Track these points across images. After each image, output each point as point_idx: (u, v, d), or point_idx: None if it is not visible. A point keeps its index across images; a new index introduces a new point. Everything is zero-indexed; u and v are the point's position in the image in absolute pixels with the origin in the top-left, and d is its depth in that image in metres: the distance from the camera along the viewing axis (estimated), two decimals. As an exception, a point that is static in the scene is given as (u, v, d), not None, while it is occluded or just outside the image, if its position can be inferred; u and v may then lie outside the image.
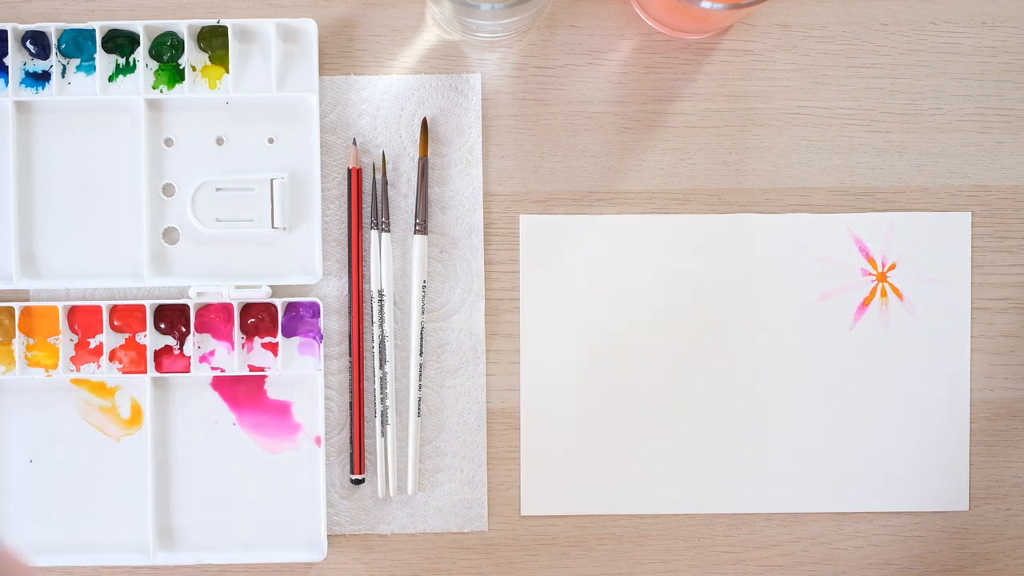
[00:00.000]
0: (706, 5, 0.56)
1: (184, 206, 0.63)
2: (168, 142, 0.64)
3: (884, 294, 0.65)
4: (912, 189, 0.65)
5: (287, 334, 0.64)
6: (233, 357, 0.63)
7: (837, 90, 0.65)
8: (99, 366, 0.63)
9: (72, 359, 0.63)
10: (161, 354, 0.64)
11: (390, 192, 0.64)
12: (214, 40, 0.63)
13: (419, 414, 0.64)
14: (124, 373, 0.63)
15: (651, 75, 0.65)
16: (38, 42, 0.63)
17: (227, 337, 0.64)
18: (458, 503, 0.65)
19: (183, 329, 0.64)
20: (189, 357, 0.63)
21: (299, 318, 0.64)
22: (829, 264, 0.65)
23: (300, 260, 0.64)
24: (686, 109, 0.65)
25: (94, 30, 0.62)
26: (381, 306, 0.64)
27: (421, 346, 0.64)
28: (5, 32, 0.62)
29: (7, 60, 0.63)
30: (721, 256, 0.65)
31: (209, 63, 0.63)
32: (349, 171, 0.64)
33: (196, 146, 0.64)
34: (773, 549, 0.65)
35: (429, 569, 0.65)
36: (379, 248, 0.64)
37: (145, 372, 0.63)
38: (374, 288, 0.64)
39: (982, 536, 0.66)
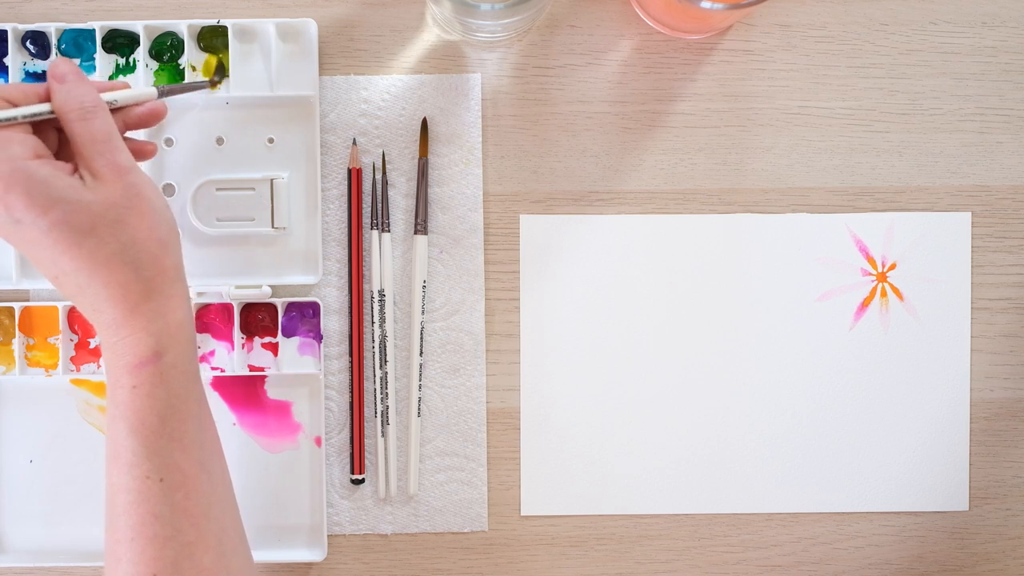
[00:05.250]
0: (706, 5, 0.56)
1: (184, 206, 0.63)
2: (168, 142, 0.64)
3: (884, 294, 0.65)
4: (912, 189, 0.65)
5: (287, 334, 0.64)
6: (233, 357, 0.63)
7: (837, 90, 0.65)
8: (99, 366, 0.63)
9: (72, 359, 0.63)
10: (161, 354, 0.64)
11: (390, 192, 0.64)
12: (214, 40, 0.63)
13: (419, 414, 0.64)
14: (124, 373, 0.63)
15: (651, 75, 0.65)
16: (38, 42, 0.63)
17: (227, 337, 0.64)
18: (458, 503, 0.65)
19: (183, 329, 0.64)
20: (189, 357, 0.63)
21: (299, 318, 0.64)
22: (829, 264, 0.65)
23: (300, 260, 0.64)
24: (686, 109, 0.65)
25: (94, 30, 0.62)
26: (381, 306, 0.64)
27: (421, 346, 0.64)
28: (5, 32, 0.62)
29: (7, 60, 0.63)
30: (721, 256, 0.65)
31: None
32: (349, 171, 0.64)
33: (196, 146, 0.64)
34: (773, 549, 0.65)
35: (429, 569, 0.65)
36: (379, 248, 0.64)
37: (145, 372, 0.63)
38: (374, 288, 0.64)
39: (982, 536, 0.66)
